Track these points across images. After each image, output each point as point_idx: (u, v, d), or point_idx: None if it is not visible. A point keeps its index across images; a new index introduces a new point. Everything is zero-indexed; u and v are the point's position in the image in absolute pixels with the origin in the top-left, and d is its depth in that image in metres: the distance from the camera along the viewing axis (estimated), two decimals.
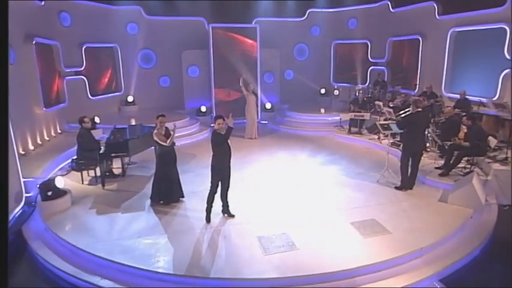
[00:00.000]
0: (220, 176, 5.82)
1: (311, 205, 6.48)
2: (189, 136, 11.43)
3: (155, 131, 6.36)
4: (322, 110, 13.47)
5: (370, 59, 14.22)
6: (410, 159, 6.96)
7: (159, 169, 6.42)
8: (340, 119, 12.09)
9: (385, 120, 8.69)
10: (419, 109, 6.84)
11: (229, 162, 5.83)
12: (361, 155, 9.50)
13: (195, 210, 6.28)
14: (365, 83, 14.02)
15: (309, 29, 15.43)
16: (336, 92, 14.82)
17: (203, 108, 13.50)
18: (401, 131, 7.43)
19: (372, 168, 8.34)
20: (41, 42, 9.51)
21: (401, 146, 8.75)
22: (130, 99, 13.98)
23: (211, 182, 5.85)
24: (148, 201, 6.62)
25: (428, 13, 11.21)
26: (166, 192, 6.50)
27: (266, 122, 13.65)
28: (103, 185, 7.43)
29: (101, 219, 6.06)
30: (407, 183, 7.01)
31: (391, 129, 7.41)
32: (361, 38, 14.37)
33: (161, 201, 6.54)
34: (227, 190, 5.96)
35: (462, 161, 7.51)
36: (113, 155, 7.44)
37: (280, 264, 4.69)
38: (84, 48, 11.95)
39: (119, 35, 13.37)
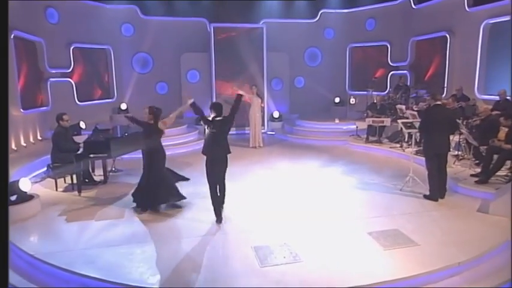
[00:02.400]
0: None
1: (320, 214, 5.89)
2: (185, 145, 11.05)
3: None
4: (337, 120, 12.99)
5: (391, 63, 13.78)
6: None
7: (143, 168, 6.05)
8: (357, 127, 11.55)
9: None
10: (438, 102, 6.29)
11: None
12: (380, 164, 8.90)
13: (181, 219, 5.79)
14: (384, 90, 13.50)
15: (322, 31, 15.14)
16: (352, 101, 14.35)
17: None
18: (418, 130, 6.87)
19: (393, 177, 7.73)
20: (21, 37, 9.33)
21: None
22: (123, 106, 13.66)
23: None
24: (129, 209, 6.13)
25: (456, 6, 10.79)
26: (149, 197, 6.00)
27: (273, 132, 13.21)
28: (79, 192, 6.96)
29: (69, 227, 5.56)
30: (437, 191, 6.37)
31: (415, 128, 6.85)
32: (380, 40, 13.99)
33: (140, 208, 6.06)
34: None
35: (503, 167, 6.84)
36: (91, 155, 6.98)
37: (281, 279, 4.06)
38: (73, 49, 11.80)
39: (112, 36, 13.24)
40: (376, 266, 4.29)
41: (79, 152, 6.99)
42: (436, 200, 6.31)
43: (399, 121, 7.55)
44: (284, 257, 4.46)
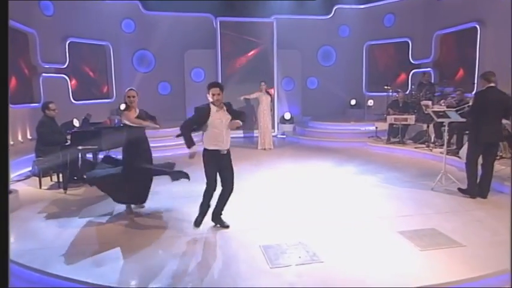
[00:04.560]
0: (216, 166, 4.64)
1: (341, 212, 5.26)
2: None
3: (125, 111, 5.43)
4: (352, 122, 12.39)
5: (412, 61, 13.15)
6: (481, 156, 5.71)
7: (126, 162, 5.24)
8: (376, 128, 10.92)
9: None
10: (492, 84, 5.65)
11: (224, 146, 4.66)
12: (406, 165, 8.23)
13: (177, 217, 5.20)
14: (406, 91, 12.85)
15: (336, 28, 14.63)
16: (370, 102, 13.69)
17: None
18: (463, 119, 6.23)
19: (422, 177, 7.07)
20: (11, 26, 8.94)
21: (460, 151, 7.58)
22: (123, 107, 13.08)
23: (206, 175, 4.66)
24: (118, 207, 5.53)
25: None
26: (129, 193, 5.19)
27: (284, 136, 12.66)
28: (65, 189, 6.42)
29: (49, 224, 5.02)
30: (477, 188, 5.69)
31: (448, 117, 6.19)
32: (399, 37, 13.39)
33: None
34: (229, 192, 4.73)
35: None
36: (80, 147, 6.43)
37: (296, 280, 3.42)
38: (69, 43, 11.41)
39: (112, 32, 12.87)
40: (412, 268, 3.63)
41: (67, 144, 6.49)
42: (474, 197, 5.64)
43: (429, 109, 6.90)
44: (299, 257, 3.81)
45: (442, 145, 9.05)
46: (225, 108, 4.63)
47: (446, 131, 6.49)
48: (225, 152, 4.61)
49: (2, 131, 2.58)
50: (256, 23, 12.78)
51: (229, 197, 4.72)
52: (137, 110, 5.41)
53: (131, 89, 5.43)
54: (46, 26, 10.59)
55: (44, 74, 10.53)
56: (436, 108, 8.77)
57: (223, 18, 12.51)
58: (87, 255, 4.00)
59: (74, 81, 11.78)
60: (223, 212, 4.78)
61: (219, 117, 4.53)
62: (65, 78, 11.40)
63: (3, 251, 2.47)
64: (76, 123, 9.89)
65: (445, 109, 6.72)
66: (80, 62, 12.09)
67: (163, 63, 13.56)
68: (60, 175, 6.65)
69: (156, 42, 13.36)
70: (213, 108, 4.54)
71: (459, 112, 7.06)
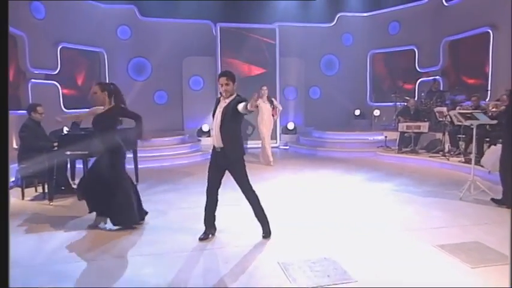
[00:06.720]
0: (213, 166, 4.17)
1: (365, 224, 4.62)
2: (186, 156, 9.93)
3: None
4: (359, 132, 11.85)
5: (419, 69, 12.70)
6: None
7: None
8: (386, 137, 10.36)
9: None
10: None
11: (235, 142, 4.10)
12: (423, 174, 7.63)
13: (179, 229, 4.52)
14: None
15: (340, 37, 14.21)
16: (377, 112, 13.19)
17: (205, 127, 12.06)
18: (493, 121, 5.69)
19: (445, 186, 6.48)
20: None
21: (482, 159, 7.01)
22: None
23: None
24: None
25: None
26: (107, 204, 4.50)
27: (287, 147, 12.05)
28: (50, 199, 5.74)
29: (27, 239, 4.32)
30: None
31: (477, 119, 5.64)
32: (405, 45, 12.97)
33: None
34: (252, 200, 4.19)
35: None
36: (68, 153, 5.77)
37: None
38: (60, 48, 10.84)
39: (106, 38, 12.34)
40: None
41: (53, 149, 5.85)
42: (510, 207, 5.05)
43: (451, 112, 6.34)
44: (328, 276, 3.17)
45: (459, 154, 8.57)
46: (231, 98, 4.07)
47: (474, 134, 5.86)
48: (219, 150, 4.05)
49: (2, 134, 2.38)
50: (258, 30, 12.32)
51: (256, 204, 4.16)
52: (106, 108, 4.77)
53: (96, 85, 4.78)
54: (37, 30, 10.02)
55: (32, 80, 9.92)
56: (452, 113, 8.26)
57: (224, 24, 12.05)
58: (69, 274, 3.34)
59: (65, 89, 11.17)
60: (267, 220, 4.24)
61: (219, 109, 4.11)
62: (55, 85, 10.78)
63: (4, 248, 2.21)
64: (66, 131, 9.27)
65: (472, 111, 6.15)
66: (72, 69, 11.52)
67: (160, 71, 12.99)
68: (46, 184, 6.00)
69: (152, 50, 12.84)
70: (221, 99, 4.12)
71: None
